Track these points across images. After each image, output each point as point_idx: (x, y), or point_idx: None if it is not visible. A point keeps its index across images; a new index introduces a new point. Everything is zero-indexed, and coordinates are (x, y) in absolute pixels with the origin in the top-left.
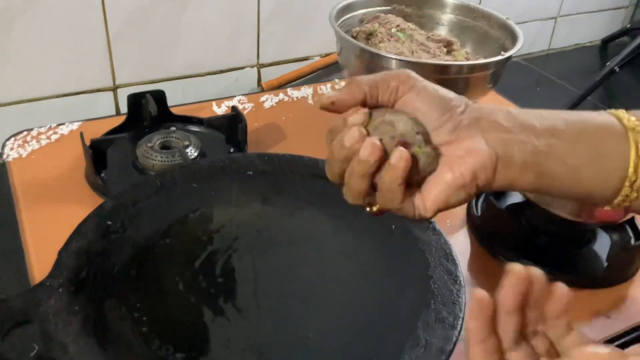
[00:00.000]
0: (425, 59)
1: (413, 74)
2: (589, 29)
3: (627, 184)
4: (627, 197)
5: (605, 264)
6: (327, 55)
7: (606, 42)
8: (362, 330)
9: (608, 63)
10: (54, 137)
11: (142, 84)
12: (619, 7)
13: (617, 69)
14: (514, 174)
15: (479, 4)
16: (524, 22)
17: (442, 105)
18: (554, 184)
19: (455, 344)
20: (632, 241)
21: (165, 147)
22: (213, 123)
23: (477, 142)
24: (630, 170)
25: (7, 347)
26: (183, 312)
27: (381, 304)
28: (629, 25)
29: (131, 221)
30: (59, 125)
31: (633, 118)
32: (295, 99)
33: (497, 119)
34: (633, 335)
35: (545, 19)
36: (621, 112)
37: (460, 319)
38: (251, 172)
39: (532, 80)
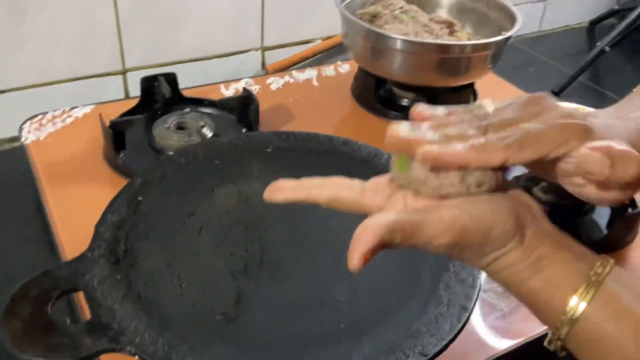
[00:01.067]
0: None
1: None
2: (577, 11)
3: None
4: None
5: (605, 231)
6: (328, 38)
7: (593, 23)
8: (388, 295)
9: (598, 43)
10: (68, 120)
11: (150, 67)
12: None
13: (608, 49)
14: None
15: None
16: (515, 5)
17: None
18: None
19: (475, 302)
20: (629, 210)
21: (180, 128)
22: (225, 104)
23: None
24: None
25: (56, 315)
26: (218, 277)
27: (403, 270)
28: (616, 7)
29: (160, 196)
30: (72, 108)
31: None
32: (300, 81)
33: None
34: None
35: (535, 1)
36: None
37: (479, 279)
38: (269, 150)
39: (524, 61)
